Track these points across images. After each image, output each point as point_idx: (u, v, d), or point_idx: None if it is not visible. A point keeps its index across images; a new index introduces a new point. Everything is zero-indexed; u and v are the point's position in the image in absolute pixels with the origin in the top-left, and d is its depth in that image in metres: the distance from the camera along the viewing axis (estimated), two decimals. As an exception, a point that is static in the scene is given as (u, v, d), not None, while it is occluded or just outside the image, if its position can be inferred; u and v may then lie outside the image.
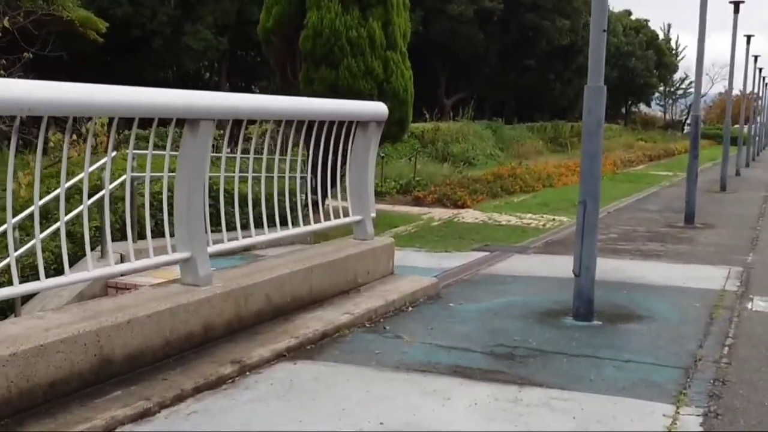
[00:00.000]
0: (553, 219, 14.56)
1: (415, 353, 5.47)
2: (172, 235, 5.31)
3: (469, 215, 15.00)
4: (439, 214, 15.15)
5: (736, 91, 74.05)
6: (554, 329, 6.27)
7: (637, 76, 60.59)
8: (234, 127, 6.02)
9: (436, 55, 40.53)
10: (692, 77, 75.12)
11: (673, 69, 70.42)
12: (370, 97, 12.32)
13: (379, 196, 17.08)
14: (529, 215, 15.09)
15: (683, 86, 77.09)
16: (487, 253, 10.43)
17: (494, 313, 6.83)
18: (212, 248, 5.57)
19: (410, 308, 6.87)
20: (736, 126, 76.70)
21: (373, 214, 7.60)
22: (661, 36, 67.47)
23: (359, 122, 7.27)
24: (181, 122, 5.17)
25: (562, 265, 9.55)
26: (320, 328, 5.74)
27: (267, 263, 6.29)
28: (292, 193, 7.57)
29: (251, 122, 6.78)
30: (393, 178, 18.54)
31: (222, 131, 16.67)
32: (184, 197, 5.23)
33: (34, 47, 13.80)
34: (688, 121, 75.49)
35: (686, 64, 72.45)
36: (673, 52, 70.32)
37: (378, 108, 7.44)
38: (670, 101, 79.95)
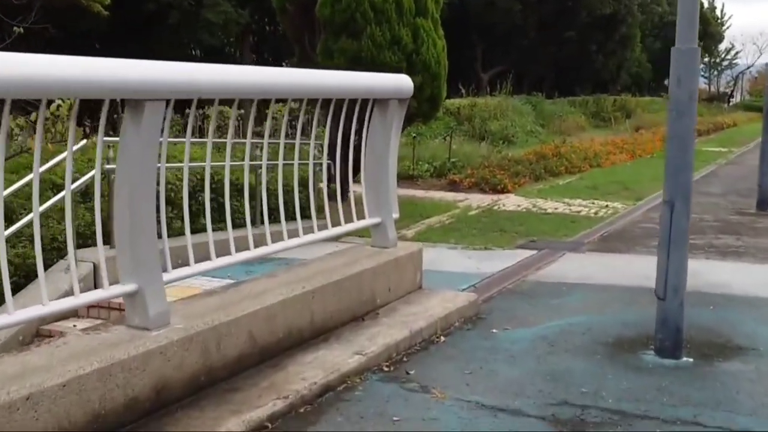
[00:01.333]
0: (606, 206, 12.94)
1: (448, 419, 3.97)
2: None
3: (511, 202, 13.43)
4: (478, 200, 13.60)
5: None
6: (633, 373, 4.72)
7: (682, 47, 58.24)
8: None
9: (472, 27, 38.68)
10: (738, 47, 72.67)
11: (719, 39, 68.05)
12: (398, 71, 10.78)
13: (411, 180, 15.60)
14: (578, 201, 13.48)
15: (728, 57, 74.53)
16: (534, 252, 8.88)
17: (550, 344, 5.30)
18: (171, 274, 4.11)
19: (442, 338, 5.37)
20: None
21: (396, 215, 6.10)
22: (706, 4, 64.87)
23: (377, 101, 5.77)
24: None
25: (625, 268, 8.00)
26: (320, 380, 4.26)
27: (253, 286, 4.80)
28: (302, 184, 6.11)
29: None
30: (426, 159, 16.98)
31: (241, 110, 15.13)
32: (125, 206, 3.76)
33: (28, 22, 12.42)
34: (734, 93, 73.42)
35: (731, 34, 69.90)
36: (719, 21, 67.84)
37: (400, 82, 5.91)
38: (715, 73, 77.16)
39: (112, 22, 19.70)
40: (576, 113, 36.00)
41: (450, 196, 14.18)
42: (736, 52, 74.09)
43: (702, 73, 74.43)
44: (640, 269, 7.86)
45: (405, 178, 15.66)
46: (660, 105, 48.81)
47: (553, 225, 11.06)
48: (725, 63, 75.08)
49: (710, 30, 64.11)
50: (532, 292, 6.96)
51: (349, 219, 5.75)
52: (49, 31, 13.44)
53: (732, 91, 75.01)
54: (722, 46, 71.69)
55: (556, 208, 12.67)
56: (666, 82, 65.54)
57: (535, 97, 34.64)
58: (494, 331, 5.59)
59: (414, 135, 16.33)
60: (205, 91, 4.02)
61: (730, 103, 68.72)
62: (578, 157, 18.97)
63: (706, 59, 69.88)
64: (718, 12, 68.21)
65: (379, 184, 5.89)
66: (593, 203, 13.23)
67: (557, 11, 41.55)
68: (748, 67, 75.14)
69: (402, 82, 5.91)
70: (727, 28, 69.39)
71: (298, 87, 5.02)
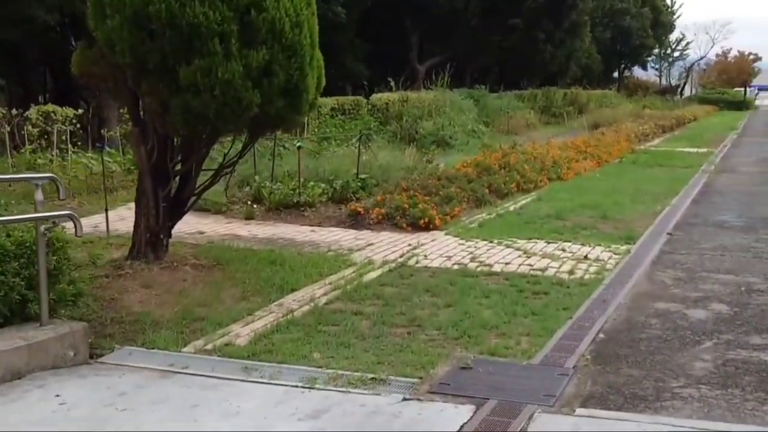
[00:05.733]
0: (585, 256, 8.26)
1: None
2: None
3: (437, 250, 8.66)
4: (386, 247, 8.81)
5: (735, 52, 68.51)
6: None
7: (632, 37, 54.97)
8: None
9: (407, 13, 33.96)
10: (690, 38, 69.50)
11: (670, 28, 65.16)
12: (222, 38, 6.03)
13: (297, 210, 10.80)
14: (540, 246, 8.78)
15: (679, 48, 71.51)
16: (470, 411, 4.16)
17: None
18: None
19: None
20: (737, 89, 70.89)
21: None
22: (657, -8, 61.35)
23: None
24: None
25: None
26: None
27: None
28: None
29: None
30: (327, 176, 12.15)
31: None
32: None
33: None
34: (685, 86, 69.88)
35: (683, 23, 66.81)
36: (669, 10, 64.67)
37: None
38: (666, 64, 73.80)
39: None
40: (524, 108, 31.64)
41: (347, 237, 9.37)
42: (687, 43, 70.91)
43: (653, 65, 70.97)
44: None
45: (287, 207, 10.84)
46: (616, 98, 44.94)
47: (504, 308, 6.34)
48: (676, 54, 71.71)
49: (661, 19, 60.64)
50: None
51: None
52: None
53: (684, 83, 71.56)
54: (673, 37, 68.53)
55: (506, 263, 7.95)
56: (615, 74, 61.74)
57: (477, 91, 30.07)
58: None
59: (299, 144, 11.43)
60: None
61: (682, 96, 65.36)
62: (533, 168, 14.30)
63: (656, 50, 66.38)
64: (668, 0, 64.70)
65: None
66: (564, 250, 8.56)
67: (502, -6, 37.09)
68: (701, 58, 71.90)
69: None
70: (678, 17, 66.15)
71: None
